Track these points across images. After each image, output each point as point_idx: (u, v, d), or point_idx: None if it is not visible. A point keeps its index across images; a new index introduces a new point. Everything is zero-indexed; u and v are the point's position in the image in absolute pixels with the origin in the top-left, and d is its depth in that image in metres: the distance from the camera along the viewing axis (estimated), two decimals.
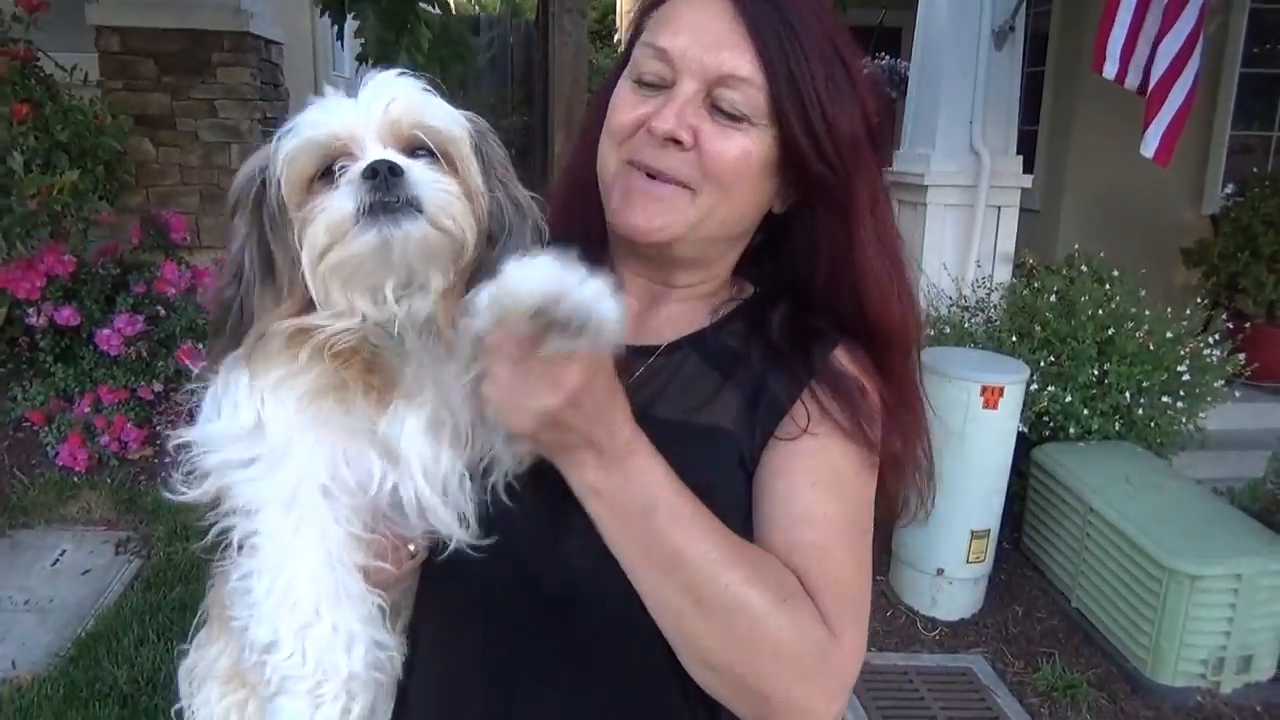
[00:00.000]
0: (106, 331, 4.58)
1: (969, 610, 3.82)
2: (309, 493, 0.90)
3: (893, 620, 3.79)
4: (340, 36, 4.11)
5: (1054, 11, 7.02)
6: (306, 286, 0.90)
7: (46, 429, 4.53)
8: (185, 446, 0.96)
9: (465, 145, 0.93)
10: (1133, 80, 4.06)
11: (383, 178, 0.86)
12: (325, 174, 0.90)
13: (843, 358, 1.08)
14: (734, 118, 1.00)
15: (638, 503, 0.93)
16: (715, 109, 1.00)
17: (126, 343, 4.61)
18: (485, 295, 0.85)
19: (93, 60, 5.51)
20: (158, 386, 4.72)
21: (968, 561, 3.71)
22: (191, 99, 5.67)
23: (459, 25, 4.68)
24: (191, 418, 0.99)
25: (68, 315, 4.58)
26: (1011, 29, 4.91)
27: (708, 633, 0.94)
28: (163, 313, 4.79)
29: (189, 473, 0.96)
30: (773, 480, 1.03)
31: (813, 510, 1.01)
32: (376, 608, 0.94)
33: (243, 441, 0.91)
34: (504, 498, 0.97)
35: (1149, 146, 3.99)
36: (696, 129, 1.00)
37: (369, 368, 0.93)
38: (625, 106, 1.04)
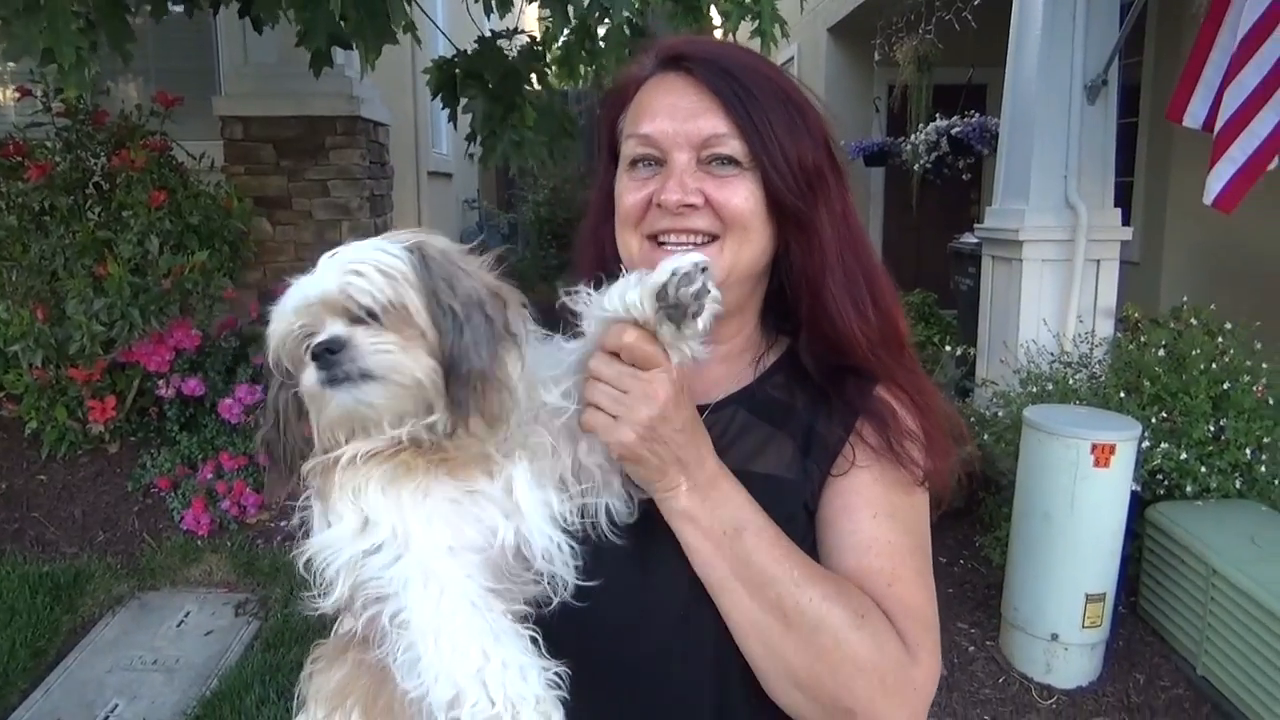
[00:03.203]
0: (228, 401, 4.84)
1: (1086, 678, 3.68)
2: (438, 558, 0.97)
3: (1005, 688, 3.67)
4: (453, 118, 4.34)
5: (1145, 62, 6.94)
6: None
7: (173, 494, 4.78)
8: (310, 562, 1.04)
9: (400, 296, 1.00)
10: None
11: (324, 358, 0.97)
12: (303, 348, 1.01)
13: (883, 392, 1.17)
14: (731, 162, 1.12)
15: (728, 524, 1.03)
16: (711, 164, 1.12)
17: (246, 411, 4.86)
18: (592, 304, 1.02)
19: (218, 147, 5.92)
20: None
21: (1083, 626, 3.59)
22: (306, 180, 6.02)
23: (560, 101, 4.90)
24: (306, 535, 1.08)
25: (193, 386, 4.87)
26: (1104, 82, 4.88)
27: (794, 650, 1.02)
28: None
29: (319, 584, 1.03)
30: (837, 516, 1.13)
31: (878, 540, 1.11)
32: (531, 640, 1.00)
33: (359, 538, 1.00)
34: (601, 539, 1.06)
35: (1210, 193, 3.85)
36: (701, 189, 1.11)
37: (421, 452, 1.02)
38: (630, 192, 1.15)
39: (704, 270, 0.96)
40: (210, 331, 5.23)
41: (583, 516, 1.05)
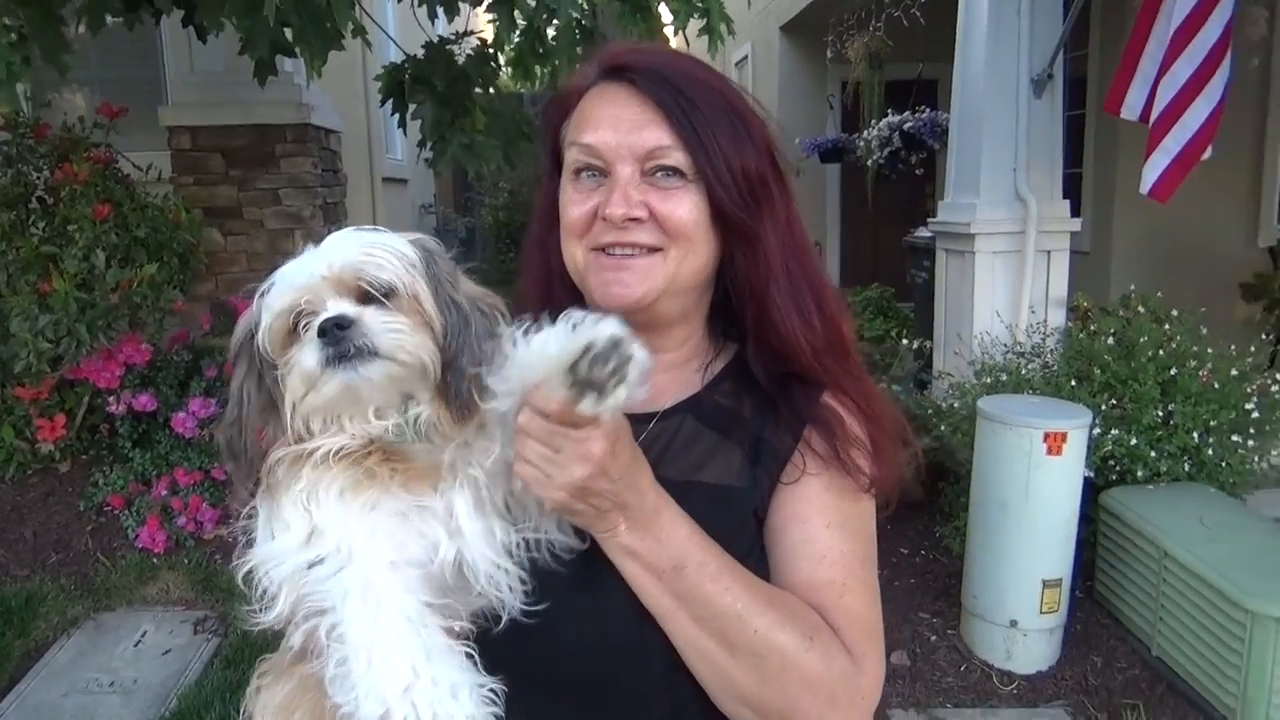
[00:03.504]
0: (181, 415, 4.76)
1: (1045, 662, 3.73)
2: (379, 572, 0.97)
3: (967, 675, 3.72)
4: (402, 124, 4.30)
5: (1091, 55, 7.06)
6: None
7: (126, 512, 4.69)
8: (250, 571, 1.04)
9: (413, 281, 1.02)
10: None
11: (332, 334, 0.97)
12: (295, 327, 1.01)
13: (830, 400, 1.18)
14: (676, 174, 1.11)
15: (669, 560, 1.02)
16: (656, 176, 1.12)
17: (200, 425, 4.78)
18: (513, 368, 0.96)
19: (165, 158, 5.83)
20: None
21: (1041, 612, 3.64)
22: (257, 189, 5.95)
23: (514, 104, 4.88)
24: (249, 545, 1.07)
25: (145, 401, 4.78)
26: (1050, 76, 4.96)
27: (741, 674, 1.03)
28: None
29: (261, 597, 1.03)
30: (789, 524, 1.13)
31: (830, 551, 1.12)
32: (467, 656, 1.00)
33: (304, 550, 0.99)
34: (549, 562, 1.05)
35: (1146, 183, 3.97)
36: (646, 202, 1.11)
37: (387, 457, 1.02)
38: (575, 204, 1.15)
39: (618, 345, 0.90)
40: (161, 345, 5.14)
41: (528, 548, 1.05)
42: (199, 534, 4.65)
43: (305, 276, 1.00)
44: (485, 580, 1.01)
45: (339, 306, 0.98)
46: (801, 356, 1.17)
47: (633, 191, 1.10)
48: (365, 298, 1.00)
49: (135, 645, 4.04)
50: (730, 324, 1.26)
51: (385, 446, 1.02)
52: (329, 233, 1.06)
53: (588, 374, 0.90)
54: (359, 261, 1.00)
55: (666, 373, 1.22)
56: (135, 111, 5.33)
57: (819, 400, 1.17)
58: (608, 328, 0.91)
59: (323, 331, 0.97)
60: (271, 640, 1.13)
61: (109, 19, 3.79)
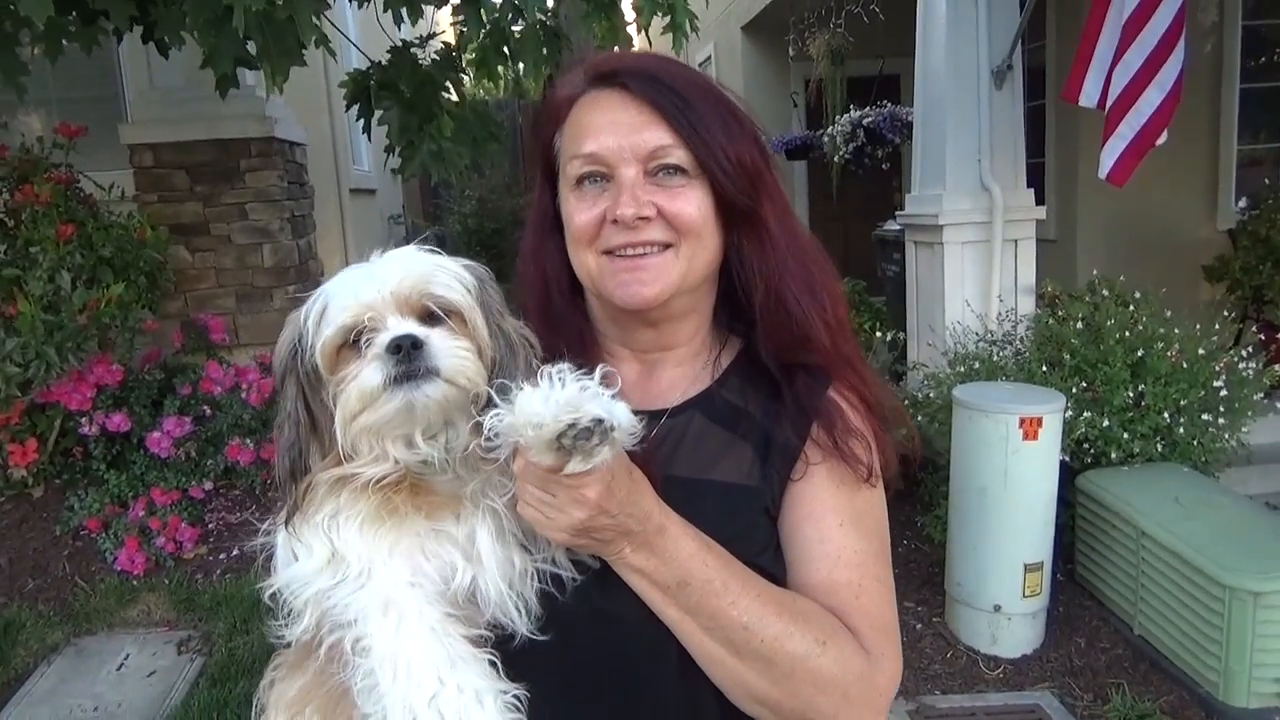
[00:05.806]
0: (156, 434, 4.71)
1: (1030, 646, 3.78)
2: (399, 590, 0.99)
3: (954, 661, 3.76)
4: (367, 130, 4.27)
5: (1049, 46, 7.16)
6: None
7: (104, 535, 4.62)
8: (276, 594, 1.06)
9: (471, 306, 1.03)
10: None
11: (405, 351, 0.96)
12: (353, 343, 1.00)
13: (834, 395, 1.20)
14: (680, 172, 1.13)
15: (674, 578, 1.04)
16: (660, 175, 1.13)
17: (176, 444, 4.73)
18: (504, 426, 0.95)
19: (128, 176, 5.75)
20: (208, 485, 4.84)
21: (1024, 596, 3.69)
22: (223, 205, 5.88)
23: (482, 108, 4.86)
24: (268, 568, 1.09)
25: (118, 422, 4.72)
26: (1010, 67, 5.03)
27: (751, 677, 1.05)
28: (209, 412, 4.92)
29: (286, 615, 1.05)
30: (803, 522, 1.15)
31: (844, 550, 1.14)
32: (490, 664, 1.01)
33: (326, 572, 1.01)
34: (559, 592, 1.07)
35: (1103, 167, 4.07)
36: (653, 201, 1.12)
37: (416, 491, 1.03)
38: (580, 211, 1.16)
39: (601, 422, 0.91)
40: (133, 365, 5.08)
41: (540, 579, 1.06)
42: (179, 554, 4.60)
43: (368, 293, 0.99)
44: (496, 607, 1.02)
45: (403, 325, 0.98)
46: (817, 338, 1.19)
47: (640, 192, 1.12)
48: (427, 318, 1.00)
49: (118, 669, 3.98)
50: (735, 317, 1.27)
51: (413, 478, 1.03)
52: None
53: (572, 445, 0.91)
54: (426, 281, 1.00)
55: (677, 367, 1.24)
56: (95, 130, 5.26)
57: (824, 394, 1.19)
58: (593, 407, 0.91)
59: (396, 348, 0.96)
60: (261, 656, 1.14)
61: (65, 43, 3.73)
